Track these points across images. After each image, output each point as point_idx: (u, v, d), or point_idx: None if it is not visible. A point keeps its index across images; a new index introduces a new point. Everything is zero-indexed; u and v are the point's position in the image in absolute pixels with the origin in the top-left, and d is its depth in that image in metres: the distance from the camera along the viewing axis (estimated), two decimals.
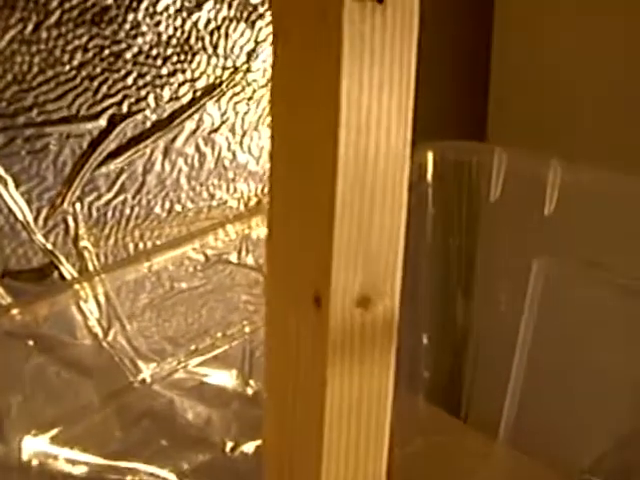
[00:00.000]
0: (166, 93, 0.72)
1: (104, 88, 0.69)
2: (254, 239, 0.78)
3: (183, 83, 0.73)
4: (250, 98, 0.77)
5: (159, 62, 0.71)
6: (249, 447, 0.83)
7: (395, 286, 0.39)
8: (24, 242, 0.68)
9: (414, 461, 0.92)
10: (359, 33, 0.34)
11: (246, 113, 0.77)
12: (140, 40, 0.70)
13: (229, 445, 0.83)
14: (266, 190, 0.80)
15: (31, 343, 0.66)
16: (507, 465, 0.96)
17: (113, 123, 0.70)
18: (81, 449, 0.71)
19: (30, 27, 0.64)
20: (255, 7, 0.76)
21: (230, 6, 0.74)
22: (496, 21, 1.06)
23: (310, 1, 0.34)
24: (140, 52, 0.70)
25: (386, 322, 0.39)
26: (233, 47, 0.75)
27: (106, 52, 0.68)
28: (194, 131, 0.74)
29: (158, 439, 0.78)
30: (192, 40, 0.73)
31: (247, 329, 0.80)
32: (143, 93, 0.71)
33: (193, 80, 0.74)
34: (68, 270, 0.70)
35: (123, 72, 0.69)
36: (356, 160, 0.35)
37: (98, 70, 0.68)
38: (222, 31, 0.74)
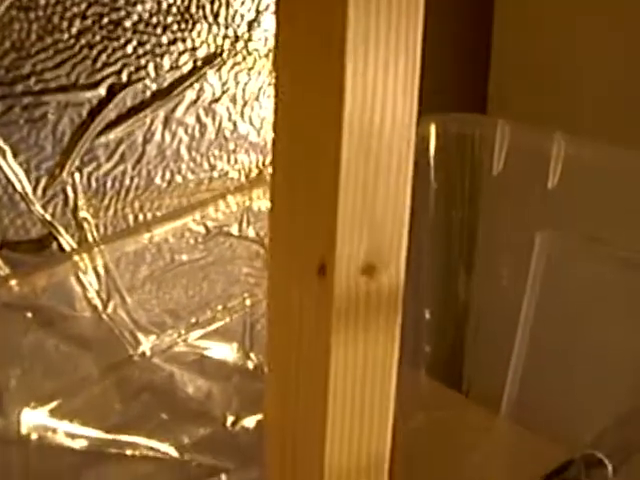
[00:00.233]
0: (166, 62, 0.71)
1: (103, 56, 0.68)
2: (255, 211, 0.77)
3: (183, 52, 0.72)
4: (251, 68, 0.76)
5: (159, 30, 0.70)
6: (250, 421, 0.83)
7: (400, 255, 0.39)
8: (22, 213, 0.67)
9: (416, 436, 0.92)
10: (365, 5, 0.33)
11: (247, 83, 0.76)
12: (140, 8, 0.69)
13: (230, 419, 0.82)
14: (267, 162, 0.80)
15: (30, 315, 0.66)
16: (509, 439, 0.96)
17: (112, 92, 0.69)
18: (80, 422, 0.71)
19: None
20: None
21: None
22: None
23: None
24: (140, 20, 0.69)
25: (391, 290, 0.39)
26: (234, 16, 0.74)
27: (105, 20, 0.67)
28: (195, 101, 0.74)
29: (158, 413, 0.77)
30: (193, 8, 0.72)
31: (248, 302, 0.80)
32: (143, 62, 0.70)
33: (194, 49, 0.73)
34: (67, 241, 0.69)
35: (123, 40, 0.69)
36: (361, 130, 0.35)
37: (97, 38, 0.67)
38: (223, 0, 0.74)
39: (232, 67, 0.75)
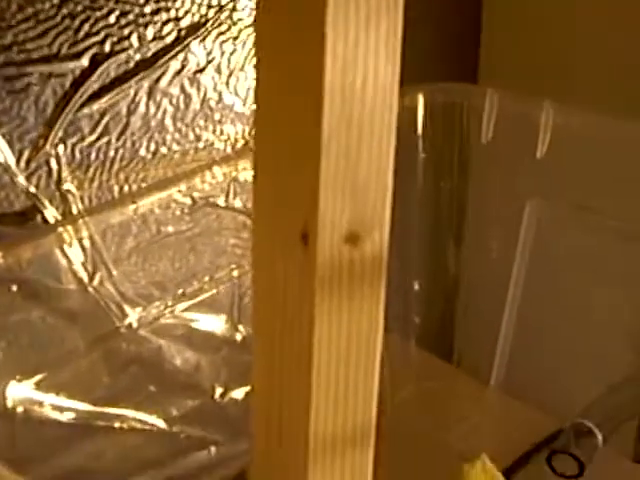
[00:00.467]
0: (150, 32, 0.71)
1: (86, 26, 0.67)
2: (242, 182, 0.77)
3: (167, 22, 0.71)
4: (236, 37, 0.76)
5: (142, 0, 0.70)
6: (239, 393, 0.83)
7: (384, 223, 0.38)
8: (6, 185, 0.67)
9: (406, 406, 0.92)
10: None
11: (232, 53, 0.76)
12: None
13: (218, 391, 0.82)
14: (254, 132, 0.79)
15: (15, 288, 0.66)
16: (499, 410, 0.96)
17: (95, 63, 0.68)
18: (68, 395, 0.71)
19: None
20: None
21: None
22: None
23: None
24: None
25: (375, 258, 0.38)
26: None
27: None
28: (179, 71, 0.73)
29: (146, 385, 0.77)
30: None
31: (235, 273, 0.80)
32: (126, 32, 0.69)
33: (177, 19, 0.72)
34: (52, 213, 0.69)
35: (105, 10, 0.68)
36: (342, 94, 0.35)
37: (79, 8, 0.67)
38: None
39: (217, 37, 0.75)
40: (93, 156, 0.70)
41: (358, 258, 0.38)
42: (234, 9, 0.75)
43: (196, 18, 0.73)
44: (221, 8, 0.74)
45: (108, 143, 0.71)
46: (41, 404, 0.69)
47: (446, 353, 1.02)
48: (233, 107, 0.77)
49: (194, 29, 0.73)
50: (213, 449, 0.82)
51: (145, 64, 0.71)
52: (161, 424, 0.78)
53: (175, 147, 0.75)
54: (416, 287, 0.97)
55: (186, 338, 0.78)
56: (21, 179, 0.67)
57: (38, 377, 0.68)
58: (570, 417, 0.75)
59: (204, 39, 0.74)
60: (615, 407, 0.76)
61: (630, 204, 0.85)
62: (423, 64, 0.99)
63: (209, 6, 0.74)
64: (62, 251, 0.68)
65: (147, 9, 0.70)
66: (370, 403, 0.41)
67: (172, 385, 0.79)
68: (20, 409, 0.68)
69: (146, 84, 0.72)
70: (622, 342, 0.92)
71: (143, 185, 0.74)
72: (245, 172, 0.75)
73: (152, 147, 0.73)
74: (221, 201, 0.77)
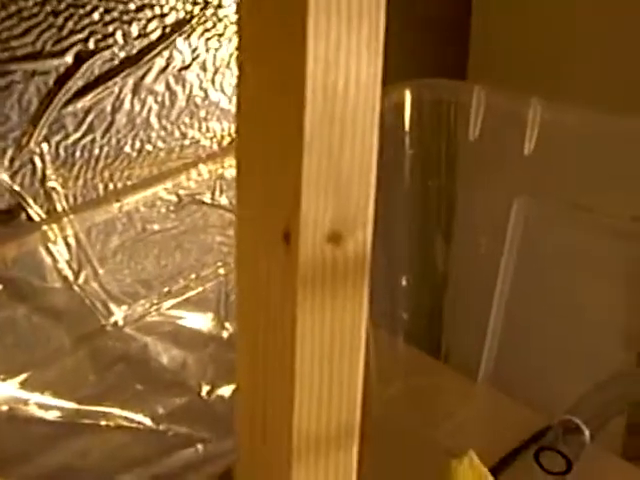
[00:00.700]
0: (134, 29, 0.70)
1: (70, 24, 0.67)
2: (228, 179, 0.76)
3: (152, 19, 0.71)
4: (222, 34, 0.75)
5: None
6: (226, 390, 0.83)
7: (367, 222, 0.38)
8: None
9: (394, 402, 0.92)
10: None
11: (217, 50, 0.75)
12: None
13: (205, 389, 0.82)
14: None
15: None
16: (487, 406, 0.96)
17: (80, 60, 0.68)
18: (53, 394, 0.71)
19: None
20: None
21: None
22: None
23: None
24: None
25: (358, 258, 0.38)
26: None
27: None
28: (164, 68, 0.73)
29: (133, 383, 0.77)
30: None
31: (221, 271, 0.79)
32: (110, 29, 0.69)
33: (162, 16, 0.72)
34: (36, 211, 0.69)
35: (89, 7, 0.67)
36: (325, 93, 0.35)
37: (63, 5, 0.66)
38: None
39: (202, 34, 0.74)
40: (78, 154, 0.70)
41: (341, 257, 0.38)
42: (219, 6, 0.75)
43: (181, 15, 0.73)
44: (206, 5, 0.74)
45: (93, 141, 0.71)
46: (26, 403, 0.69)
47: (434, 349, 1.02)
48: (219, 104, 0.77)
49: (179, 26, 0.73)
50: (200, 447, 0.82)
51: (130, 61, 0.71)
52: (148, 422, 0.78)
53: (160, 145, 0.75)
54: (404, 283, 0.96)
55: (172, 336, 0.78)
56: (5, 177, 0.67)
57: (23, 376, 0.68)
58: (558, 414, 0.76)
59: (189, 36, 0.74)
60: (603, 404, 0.77)
61: (618, 201, 0.85)
62: (411, 60, 0.99)
63: (194, 3, 0.73)
64: (47, 249, 0.67)
65: (131, 6, 0.70)
66: (354, 401, 0.41)
67: (159, 383, 0.79)
68: (5, 408, 0.67)
69: (131, 81, 0.71)
70: (610, 338, 0.92)
71: (128, 183, 0.73)
72: (231, 169, 0.75)
73: (137, 145, 0.73)
74: (207, 198, 0.77)
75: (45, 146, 0.68)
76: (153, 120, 0.73)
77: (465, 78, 1.08)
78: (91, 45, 0.68)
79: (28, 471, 0.71)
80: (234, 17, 0.76)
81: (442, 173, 0.95)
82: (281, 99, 0.36)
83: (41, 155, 0.68)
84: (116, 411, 0.76)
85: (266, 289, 0.39)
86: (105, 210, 0.69)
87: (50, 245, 0.67)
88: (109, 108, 0.71)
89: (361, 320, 0.40)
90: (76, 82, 0.68)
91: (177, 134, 0.75)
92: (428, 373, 0.99)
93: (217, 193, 0.77)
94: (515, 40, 1.04)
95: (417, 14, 1.00)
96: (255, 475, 0.43)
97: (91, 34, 0.68)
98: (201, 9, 0.74)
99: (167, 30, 0.72)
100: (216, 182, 0.77)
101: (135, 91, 0.72)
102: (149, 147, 0.74)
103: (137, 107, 0.72)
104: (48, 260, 0.68)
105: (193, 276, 0.78)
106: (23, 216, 0.68)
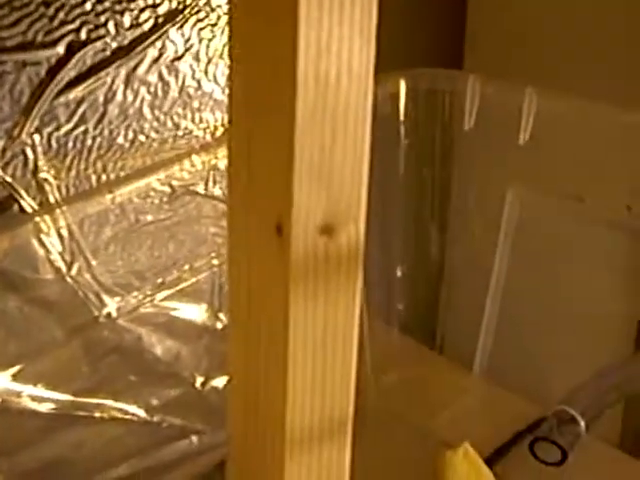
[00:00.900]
0: (126, 19, 0.70)
1: (61, 14, 0.66)
2: (221, 169, 0.76)
3: (144, 9, 0.71)
4: (214, 24, 0.75)
5: None
6: (220, 382, 0.83)
7: (360, 214, 0.38)
8: None
9: (389, 393, 0.92)
10: None
11: (211, 40, 0.75)
12: None
13: (199, 380, 0.82)
14: None
15: None
16: (482, 396, 0.97)
17: (72, 50, 0.67)
18: (47, 386, 0.70)
19: None
20: None
21: None
22: None
23: None
24: None
25: (351, 250, 0.38)
26: None
27: None
28: (157, 59, 0.72)
29: (126, 374, 0.77)
30: None
31: (215, 262, 0.79)
32: (102, 19, 0.68)
33: (154, 5, 0.71)
34: (28, 203, 0.68)
35: None
36: (316, 83, 0.35)
37: None
38: None
39: (195, 24, 0.74)
40: (70, 145, 0.70)
41: (334, 250, 0.38)
42: None
43: (174, 5, 0.72)
44: None
45: (85, 132, 0.70)
46: (19, 395, 0.69)
47: (429, 340, 1.02)
48: (212, 94, 0.77)
49: (172, 16, 0.72)
50: (194, 438, 0.82)
51: (122, 52, 0.70)
52: (142, 413, 0.78)
53: (153, 135, 0.74)
54: (399, 274, 0.96)
55: (166, 327, 0.78)
56: None
57: (16, 368, 0.68)
58: (553, 404, 0.75)
59: (182, 26, 0.73)
60: (598, 395, 0.77)
61: (612, 191, 0.85)
62: (407, 49, 0.99)
63: None
64: (39, 241, 0.67)
65: None
66: (347, 394, 0.41)
67: (152, 374, 0.79)
68: None
69: (123, 72, 0.71)
70: (605, 329, 0.92)
71: (121, 174, 0.73)
72: (224, 160, 0.74)
73: (130, 135, 0.73)
74: (200, 189, 0.77)
75: (37, 137, 0.68)
76: (146, 111, 0.73)
77: (461, 67, 1.08)
78: (83, 35, 0.68)
79: (21, 463, 0.71)
80: (227, 7, 0.75)
81: (437, 163, 0.95)
82: (272, 88, 0.35)
83: (33, 146, 0.67)
84: (110, 403, 0.75)
85: (258, 281, 0.39)
86: (98, 201, 0.69)
87: (43, 237, 0.67)
88: (101, 99, 0.70)
89: (354, 312, 0.40)
90: (68, 73, 0.67)
91: (170, 125, 0.75)
92: (423, 364, 0.99)
93: (210, 184, 0.77)
94: (511, 29, 1.04)
95: (411, 1, 0.99)
96: (248, 467, 0.43)
97: (83, 24, 0.67)
98: None
99: (160, 20, 0.71)
100: (209, 173, 0.77)
101: (128, 82, 0.71)
102: (142, 138, 0.73)
103: (130, 98, 0.72)
104: (41, 252, 0.67)
105: (187, 267, 0.78)
106: (15, 208, 0.68)
